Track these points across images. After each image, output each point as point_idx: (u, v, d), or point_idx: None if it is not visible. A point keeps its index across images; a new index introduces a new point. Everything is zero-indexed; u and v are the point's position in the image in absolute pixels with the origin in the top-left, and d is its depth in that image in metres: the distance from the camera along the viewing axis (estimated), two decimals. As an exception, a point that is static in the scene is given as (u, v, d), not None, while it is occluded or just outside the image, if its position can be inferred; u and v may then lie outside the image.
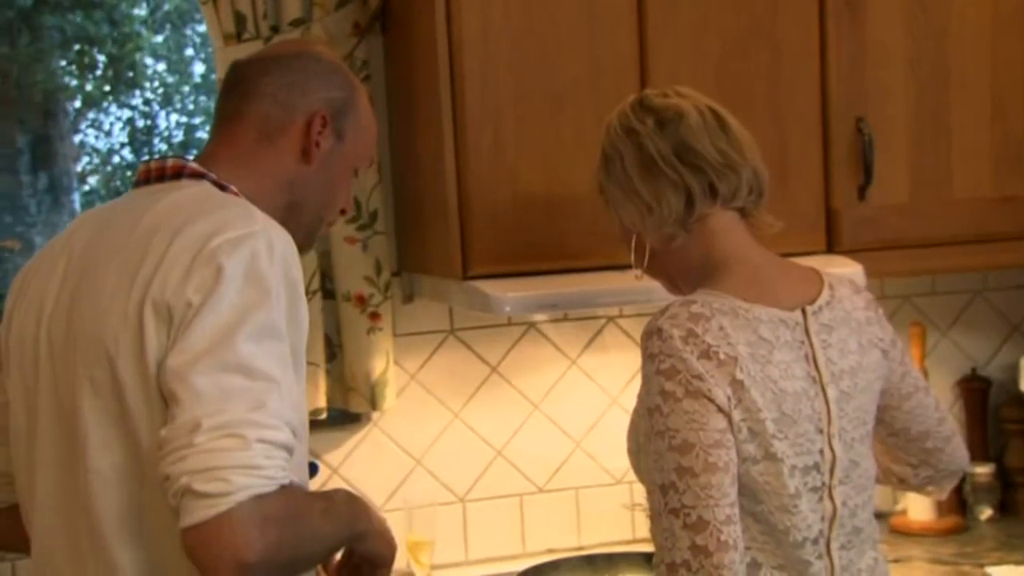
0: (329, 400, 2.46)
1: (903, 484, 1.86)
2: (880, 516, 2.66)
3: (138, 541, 1.42)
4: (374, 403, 2.45)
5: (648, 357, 1.55)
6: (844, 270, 2.26)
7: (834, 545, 1.61)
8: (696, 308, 1.56)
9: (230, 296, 1.36)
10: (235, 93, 1.65)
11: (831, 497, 1.60)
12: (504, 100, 2.17)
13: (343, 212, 1.77)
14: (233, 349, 1.34)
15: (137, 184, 1.60)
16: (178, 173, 1.56)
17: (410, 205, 2.45)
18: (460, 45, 2.15)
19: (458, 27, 2.15)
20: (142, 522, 1.42)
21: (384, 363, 2.45)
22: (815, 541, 1.59)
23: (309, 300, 2.38)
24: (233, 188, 1.56)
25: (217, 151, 1.62)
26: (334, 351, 2.47)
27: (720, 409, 1.51)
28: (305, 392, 1.49)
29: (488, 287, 2.13)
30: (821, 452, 1.59)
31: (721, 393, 1.51)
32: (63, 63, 6.01)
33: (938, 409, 1.81)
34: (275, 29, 2.38)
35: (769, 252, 1.71)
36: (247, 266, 1.39)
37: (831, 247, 2.35)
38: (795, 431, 1.56)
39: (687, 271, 1.69)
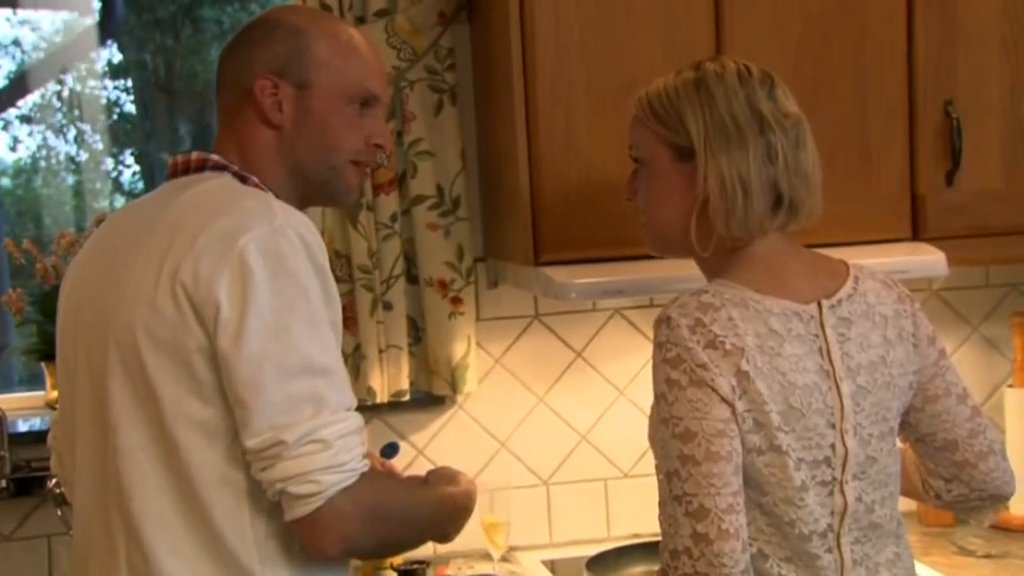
0: (413, 383, 2.51)
1: (939, 501, 1.78)
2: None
3: (166, 522, 1.49)
4: (455, 387, 2.49)
5: (656, 346, 1.56)
6: (926, 258, 2.21)
7: (845, 539, 1.58)
8: (706, 298, 1.56)
9: (267, 299, 1.44)
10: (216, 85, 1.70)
11: (842, 492, 1.57)
12: (576, 86, 2.18)
13: (379, 147, 1.70)
14: (289, 350, 1.44)
15: (169, 177, 1.66)
16: (201, 166, 1.62)
17: (492, 192, 2.48)
18: (532, 31, 2.17)
19: (530, 12, 2.16)
20: (170, 503, 1.49)
21: (465, 347, 2.49)
22: (823, 535, 1.57)
23: (393, 284, 2.45)
24: (254, 179, 1.61)
25: (218, 142, 1.67)
26: (418, 334, 2.53)
27: (723, 399, 1.50)
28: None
29: (557, 273, 2.14)
30: (833, 447, 1.56)
31: (725, 383, 1.50)
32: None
33: (972, 421, 1.71)
34: (361, 20, 2.43)
35: (798, 245, 1.67)
36: (276, 265, 1.45)
37: (916, 234, 2.28)
38: (803, 424, 1.54)
39: (708, 259, 1.66)
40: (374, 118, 1.69)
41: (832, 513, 1.57)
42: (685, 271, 2.01)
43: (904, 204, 2.28)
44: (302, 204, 1.68)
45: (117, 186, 5.41)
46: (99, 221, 2.63)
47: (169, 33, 6.05)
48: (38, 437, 2.38)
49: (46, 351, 2.51)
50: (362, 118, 1.67)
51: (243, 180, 1.61)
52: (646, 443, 2.61)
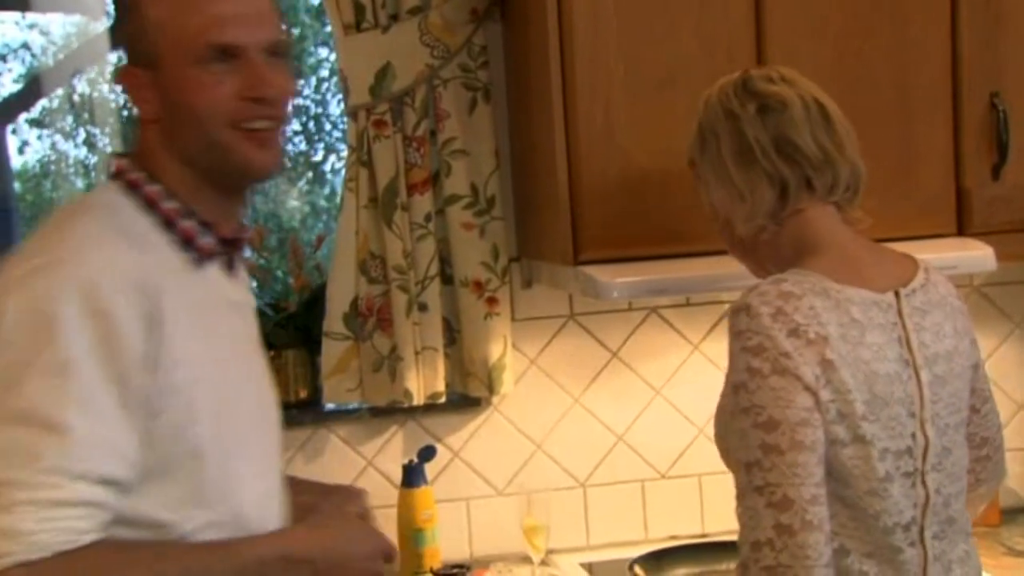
0: (448, 384, 2.48)
1: None
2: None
3: None
4: (491, 388, 2.46)
5: (735, 335, 1.53)
6: (974, 253, 2.17)
7: (927, 533, 1.56)
8: (787, 287, 1.53)
9: (9, 337, 1.30)
10: None
11: (924, 483, 1.55)
12: (615, 80, 2.14)
13: (258, 101, 1.42)
14: (13, 398, 1.28)
15: None
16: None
17: (527, 191, 2.45)
18: (570, 25, 2.13)
19: (568, 7, 2.13)
20: None
21: (502, 348, 2.45)
22: (907, 528, 1.54)
23: (428, 285, 2.41)
24: (149, 188, 1.44)
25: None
26: (454, 336, 2.49)
27: (807, 388, 1.47)
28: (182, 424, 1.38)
29: (597, 272, 2.11)
30: (913, 436, 1.54)
31: (809, 372, 1.48)
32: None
33: (998, 418, 1.77)
34: (394, 17, 2.40)
35: (861, 237, 1.67)
36: (31, 304, 1.30)
37: (962, 229, 2.25)
38: (887, 414, 1.52)
39: (777, 258, 1.65)
40: (245, 66, 1.42)
41: (915, 505, 1.55)
42: (730, 269, 1.98)
43: (949, 199, 2.25)
44: (222, 193, 1.49)
45: (127, 189, 5.38)
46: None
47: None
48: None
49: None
50: (224, 75, 1.41)
51: (134, 187, 1.45)
52: (683, 443, 2.62)
